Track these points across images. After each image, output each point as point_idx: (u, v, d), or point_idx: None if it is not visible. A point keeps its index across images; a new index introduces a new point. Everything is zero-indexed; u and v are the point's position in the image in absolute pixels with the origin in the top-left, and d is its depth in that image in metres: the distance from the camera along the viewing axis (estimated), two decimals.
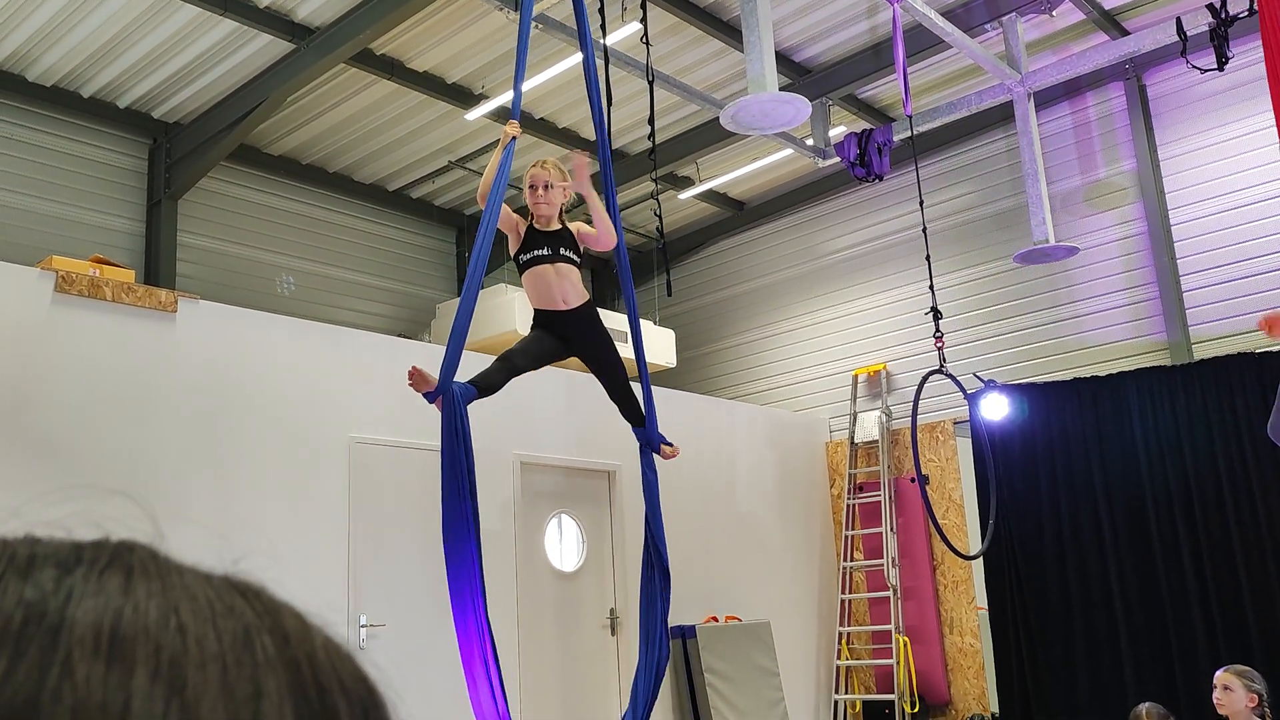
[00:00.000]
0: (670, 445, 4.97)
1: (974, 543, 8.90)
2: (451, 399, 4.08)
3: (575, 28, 5.16)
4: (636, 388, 4.90)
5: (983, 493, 8.65)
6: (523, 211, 4.60)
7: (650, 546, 4.81)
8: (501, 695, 4.04)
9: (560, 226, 4.51)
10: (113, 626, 0.34)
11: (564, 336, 4.52)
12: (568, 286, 4.49)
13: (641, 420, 4.84)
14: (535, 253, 4.46)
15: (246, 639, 0.36)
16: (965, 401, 8.72)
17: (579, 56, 7.52)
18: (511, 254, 4.54)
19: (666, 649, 4.84)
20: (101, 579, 0.36)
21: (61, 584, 0.36)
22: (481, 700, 4.00)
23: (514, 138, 4.37)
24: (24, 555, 0.37)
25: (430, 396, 4.09)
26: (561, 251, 4.47)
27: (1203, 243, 8.28)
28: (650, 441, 4.91)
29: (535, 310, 4.55)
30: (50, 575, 0.36)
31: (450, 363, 4.07)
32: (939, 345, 7.02)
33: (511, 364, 4.42)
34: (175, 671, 0.34)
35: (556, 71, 8.07)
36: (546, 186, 4.45)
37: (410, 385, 4.10)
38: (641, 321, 5.20)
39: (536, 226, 4.49)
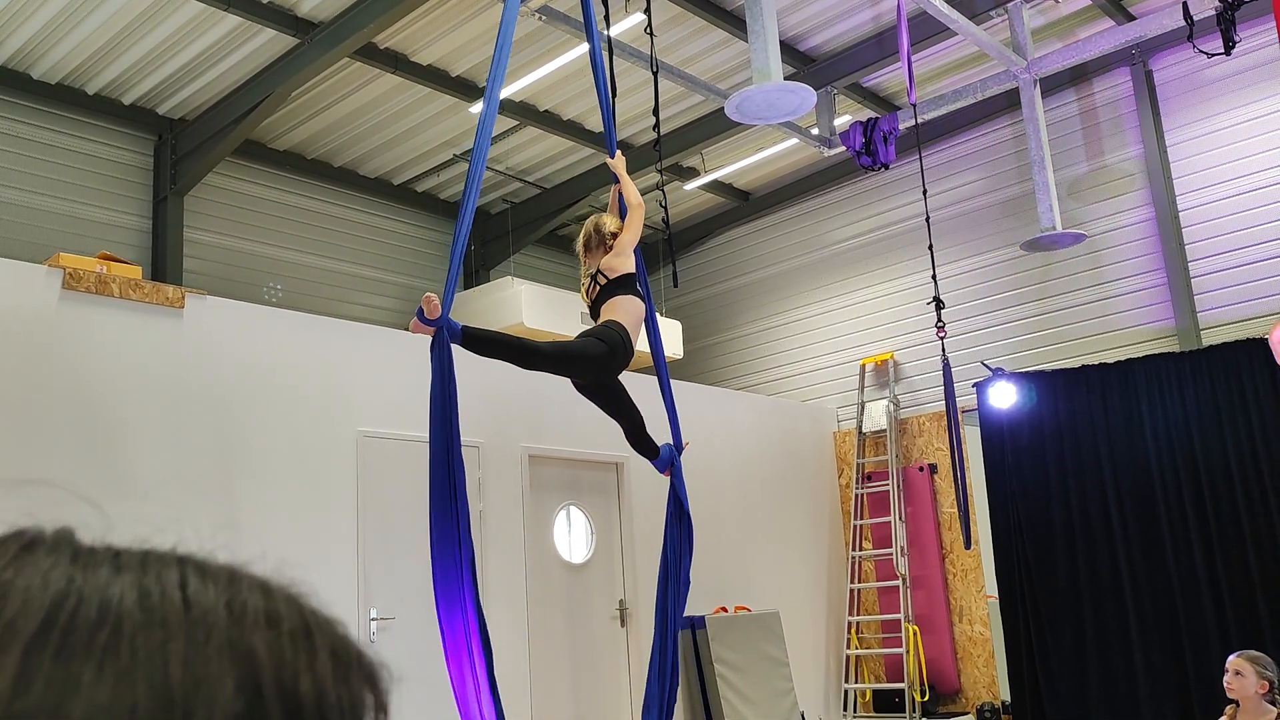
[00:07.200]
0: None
1: (984, 530, 8.90)
2: (441, 336, 3.99)
3: (577, 20, 5.14)
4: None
5: (992, 483, 8.65)
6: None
7: (680, 522, 4.88)
8: (491, 696, 3.86)
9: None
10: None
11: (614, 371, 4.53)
12: None
13: (656, 451, 4.95)
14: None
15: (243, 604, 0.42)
16: (971, 390, 8.73)
17: (582, 48, 7.55)
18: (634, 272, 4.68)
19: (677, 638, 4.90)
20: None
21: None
22: (469, 702, 3.85)
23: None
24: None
25: (425, 321, 3.97)
26: None
27: (1211, 228, 8.24)
28: (675, 447, 5.06)
29: (631, 340, 4.49)
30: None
31: (448, 288, 4.03)
32: (940, 335, 7.01)
33: (549, 357, 4.37)
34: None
35: (560, 63, 8.07)
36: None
37: (421, 307, 3.97)
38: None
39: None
